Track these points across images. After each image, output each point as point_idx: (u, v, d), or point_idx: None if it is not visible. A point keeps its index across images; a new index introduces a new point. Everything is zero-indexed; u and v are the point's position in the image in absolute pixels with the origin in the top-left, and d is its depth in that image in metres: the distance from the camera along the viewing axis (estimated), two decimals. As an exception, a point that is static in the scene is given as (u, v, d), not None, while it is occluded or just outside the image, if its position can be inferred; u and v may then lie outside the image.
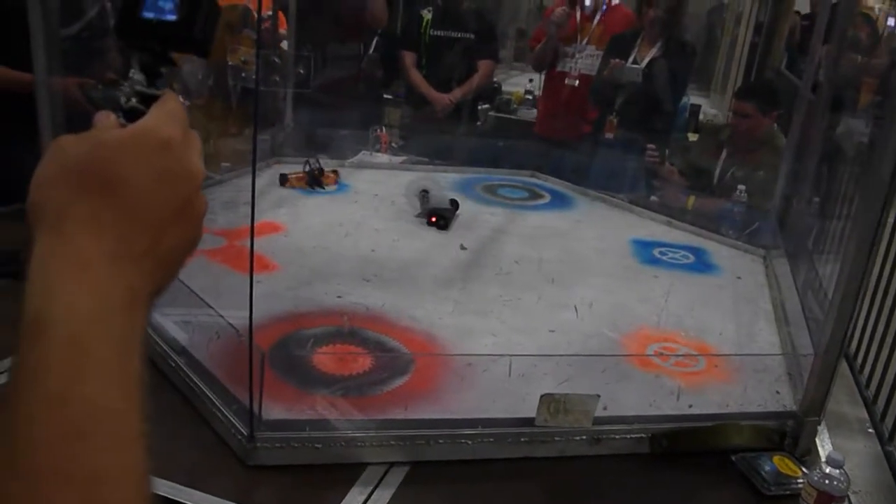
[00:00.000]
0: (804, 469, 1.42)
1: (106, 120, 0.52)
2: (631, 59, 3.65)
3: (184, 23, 0.61)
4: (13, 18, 1.78)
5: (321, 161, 2.79)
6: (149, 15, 0.61)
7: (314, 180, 2.73)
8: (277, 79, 2.65)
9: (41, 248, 0.43)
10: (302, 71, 2.77)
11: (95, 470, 0.38)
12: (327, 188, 2.76)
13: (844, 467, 1.31)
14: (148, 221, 0.46)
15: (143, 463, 0.41)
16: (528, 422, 1.40)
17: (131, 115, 0.54)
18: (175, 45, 0.62)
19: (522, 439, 1.39)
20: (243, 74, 2.83)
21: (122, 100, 0.58)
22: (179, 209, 0.49)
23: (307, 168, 2.74)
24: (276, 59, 2.64)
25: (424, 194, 2.60)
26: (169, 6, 0.61)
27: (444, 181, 2.98)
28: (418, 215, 2.53)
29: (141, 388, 0.43)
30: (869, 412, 2.90)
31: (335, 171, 2.83)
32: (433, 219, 2.46)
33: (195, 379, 1.45)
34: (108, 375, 0.41)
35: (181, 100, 0.56)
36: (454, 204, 2.57)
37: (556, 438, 1.41)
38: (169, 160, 0.48)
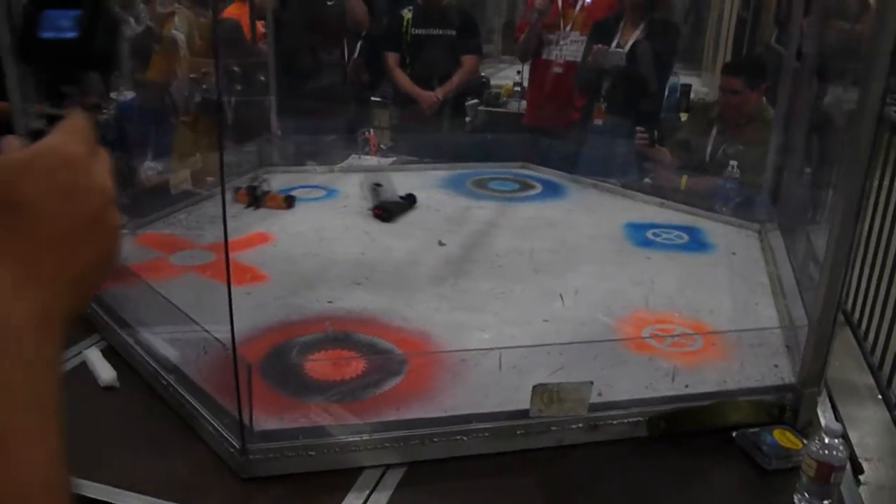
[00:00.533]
0: (805, 441, 1.40)
1: (10, 144, 0.50)
2: (615, 43, 3.63)
3: (83, 41, 0.60)
4: None
5: (265, 181, 2.63)
6: (47, 35, 0.61)
7: (254, 200, 2.56)
8: (238, 87, 2.64)
9: None
10: (263, 78, 2.76)
11: (7, 500, 0.37)
12: (272, 209, 2.55)
13: (851, 436, 1.30)
14: (54, 241, 0.45)
15: (58, 485, 0.40)
16: (523, 414, 1.38)
17: (36, 137, 0.54)
18: (76, 63, 0.61)
19: (518, 432, 1.38)
20: (204, 86, 2.83)
21: (28, 124, 0.58)
22: (88, 226, 0.48)
23: (253, 184, 2.60)
24: (236, 69, 2.64)
25: (376, 188, 2.60)
26: (68, 24, 0.60)
27: (433, 179, 2.97)
28: (369, 209, 2.53)
29: (56, 409, 0.42)
30: (875, 379, 2.90)
31: (290, 197, 2.63)
32: (377, 211, 2.48)
33: (186, 395, 1.44)
34: (20, 403, 0.40)
35: (87, 117, 0.55)
36: (410, 198, 2.58)
37: (553, 428, 1.40)
38: (73, 177, 0.47)
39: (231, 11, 4.32)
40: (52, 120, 0.56)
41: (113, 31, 0.62)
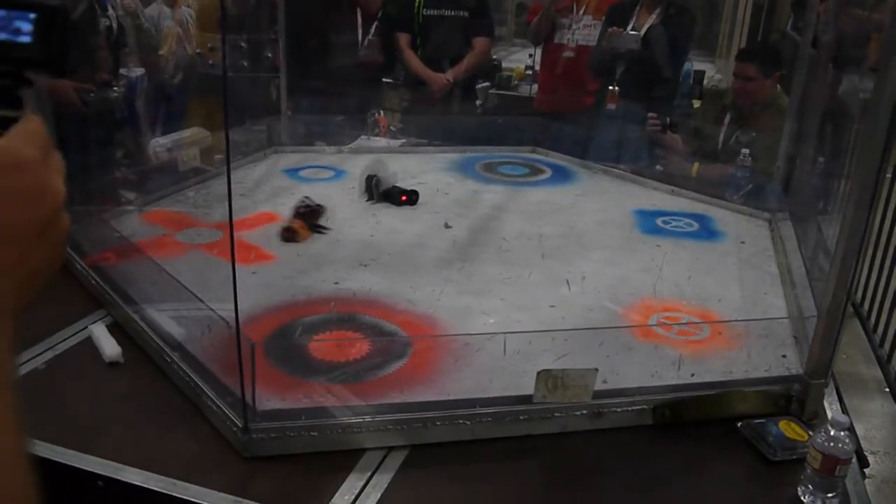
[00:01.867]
0: (811, 433, 1.39)
1: None
2: (630, 27, 3.58)
3: (39, 44, 0.59)
4: None
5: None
6: (1, 36, 0.60)
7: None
8: (245, 63, 2.63)
9: None
10: (270, 55, 2.73)
11: None
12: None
13: (857, 429, 1.29)
14: (7, 240, 0.47)
15: (15, 481, 0.41)
16: (527, 399, 1.38)
17: None
18: (30, 66, 0.61)
19: (521, 417, 1.37)
20: (210, 62, 2.81)
21: None
22: (41, 228, 0.49)
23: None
24: (243, 45, 2.62)
25: (371, 179, 2.52)
26: (26, 27, 0.59)
27: (442, 162, 2.95)
28: (375, 200, 2.48)
29: (10, 404, 0.43)
30: (884, 372, 2.88)
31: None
32: (403, 197, 2.44)
33: (190, 373, 1.44)
34: None
35: (41, 121, 0.55)
36: (413, 195, 2.50)
37: (557, 414, 1.39)
38: (24, 180, 0.49)
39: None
40: (6, 123, 0.55)
41: (66, 37, 0.61)
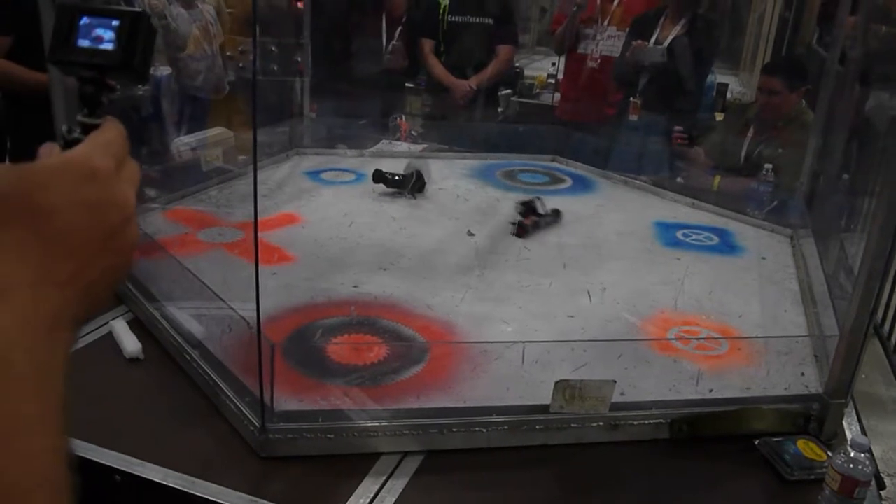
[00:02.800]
0: (830, 453, 1.38)
1: (48, 152, 0.53)
2: (654, 39, 3.58)
3: (122, 53, 0.60)
4: (34, 18, 1.80)
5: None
6: (84, 43, 0.60)
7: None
8: (275, 68, 2.65)
9: None
10: (299, 59, 2.75)
11: (6, 485, 0.38)
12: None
13: (874, 450, 1.27)
14: (72, 249, 0.47)
15: (58, 478, 0.41)
16: (544, 409, 1.38)
17: (71, 145, 0.54)
18: (113, 74, 0.61)
19: (538, 427, 1.37)
20: (241, 65, 2.83)
21: (64, 129, 0.58)
22: (106, 238, 0.49)
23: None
24: (273, 49, 2.64)
25: (412, 175, 2.60)
26: (108, 35, 0.60)
27: (463, 168, 2.96)
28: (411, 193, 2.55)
29: (61, 408, 0.43)
30: (903, 393, 2.84)
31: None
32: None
33: (209, 372, 1.45)
34: (29, 394, 0.41)
35: (121, 129, 0.56)
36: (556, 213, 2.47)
37: (573, 425, 1.39)
38: (95, 190, 0.49)
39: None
40: (87, 129, 0.56)
41: (150, 43, 0.62)
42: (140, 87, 3.11)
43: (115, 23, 0.60)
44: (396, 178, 2.56)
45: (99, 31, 0.60)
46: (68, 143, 0.56)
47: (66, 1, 0.62)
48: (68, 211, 0.47)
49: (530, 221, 2.33)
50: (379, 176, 2.57)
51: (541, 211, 2.38)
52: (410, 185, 2.55)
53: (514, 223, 2.32)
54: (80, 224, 0.48)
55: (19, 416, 0.40)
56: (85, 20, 0.61)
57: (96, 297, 0.49)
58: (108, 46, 0.60)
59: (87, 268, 0.48)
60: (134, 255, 0.53)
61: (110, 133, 0.55)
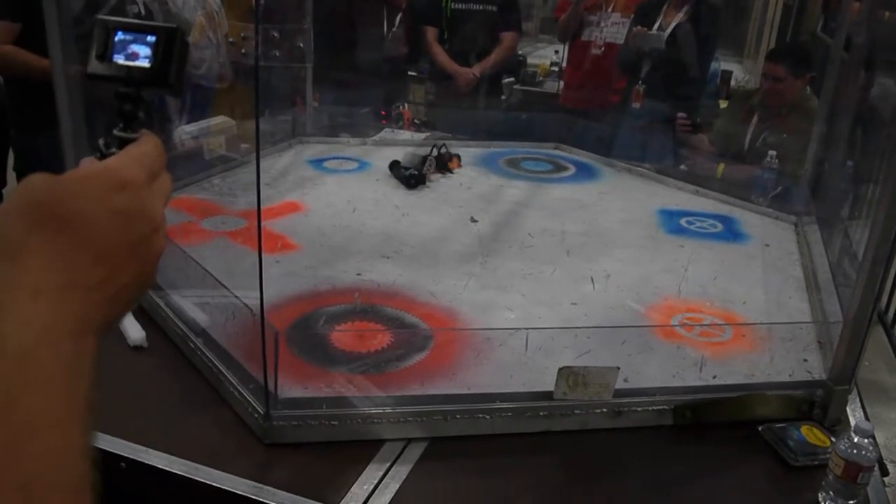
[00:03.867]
0: (833, 439, 1.38)
1: (88, 164, 0.55)
2: (656, 26, 3.56)
3: (158, 68, 0.60)
4: (40, 5, 1.79)
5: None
6: (120, 59, 0.61)
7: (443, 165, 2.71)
8: (277, 54, 2.64)
9: None
10: (301, 45, 2.74)
11: (28, 479, 0.39)
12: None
13: (877, 437, 1.27)
14: (101, 255, 0.48)
15: (82, 477, 0.42)
16: (547, 396, 1.38)
17: (105, 158, 0.56)
18: (148, 88, 0.62)
19: (541, 413, 1.37)
20: (243, 51, 2.82)
21: (101, 143, 0.58)
22: (133, 248, 0.51)
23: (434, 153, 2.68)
24: (275, 34, 2.63)
25: (428, 156, 2.66)
26: (144, 51, 0.60)
27: (466, 156, 2.94)
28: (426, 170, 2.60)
29: (86, 409, 0.44)
30: (907, 380, 2.84)
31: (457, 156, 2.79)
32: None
33: (213, 359, 1.45)
34: (54, 392, 0.42)
35: (156, 143, 0.58)
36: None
37: (577, 412, 1.39)
38: (125, 200, 0.51)
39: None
40: (123, 144, 0.57)
41: (184, 57, 0.62)
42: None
43: (150, 38, 0.61)
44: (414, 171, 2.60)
45: (134, 47, 0.61)
46: (105, 157, 0.57)
47: (104, 16, 0.62)
48: (98, 218, 0.49)
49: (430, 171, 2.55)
50: (396, 168, 2.62)
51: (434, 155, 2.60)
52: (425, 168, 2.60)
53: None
54: (110, 231, 0.49)
55: (44, 413, 0.41)
56: (120, 35, 0.61)
57: (121, 305, 0.51)
58: (144, 62, 0.61)
59: (115, 274, 0.49)
60: (156, 268, 0.54)
61: (146, 146, 0.57)
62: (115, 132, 0.60)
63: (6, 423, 0.40)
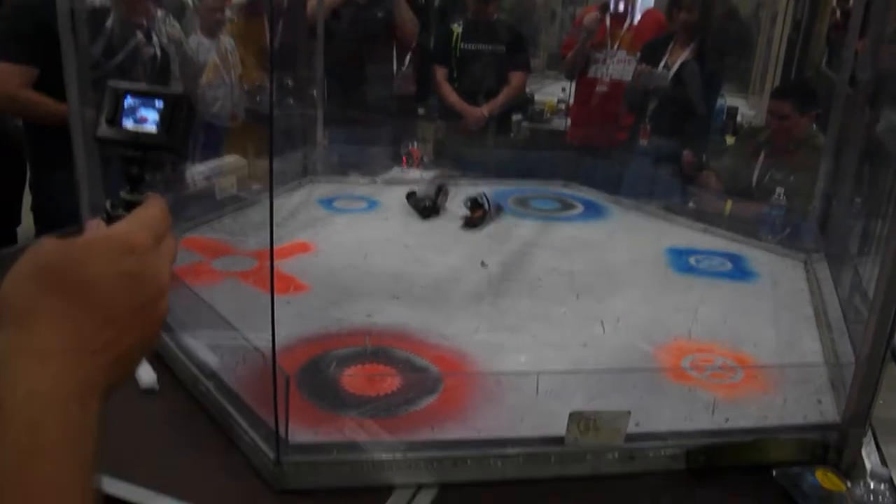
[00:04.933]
0: (849, 483, 1.36)
1: (94, 227, 0.57)
2: (662, 64, 3.60)
3: (165, 133, 0.62)
4: (57, 49, 1.83)
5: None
6: (128, 123, 0.63)
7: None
8: (292, 101, 2.68)
9: (5, 338, 0.46)
10: (314, 93, 2.78)
11: None
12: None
13: (894, 478, 1.26)
14: (108, 320, 0.49)
15: None
16: (559, 440, 1.37)
17: (113, 221, 0.58)
18: (155, 151, 0.64)
19: (553, 458, 1.37)
20: (258, 99, 2.87)
21: (108, 205, 0.60)
22: (139, 311, 0.52)
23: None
24: (290, 83, 2.68)
25: (441, 188, 2.74)
26: (152, 116, 0.62)
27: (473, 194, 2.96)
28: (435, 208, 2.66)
29: (92, 472, 0.45)
30: (922, 419, 2.80)
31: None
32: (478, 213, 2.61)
33: (224, 403, 1.46)
34: (61, 457, 0.43)
35: (162, 206, 0.59)
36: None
37: (588, 457, 1.38)
38: (132, 264, 0.52)
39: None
40: (130, 206, 0.59)
41: (190, 123, 0.64)
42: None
43: (158, 104, 0.63)
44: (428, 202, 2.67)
45: (143, 112, 0.63)
46: (112, 220, 0.58)
47: (114, 82, 0.64)
48: (106, 283, 0.50)
49: (478, 215, 2.58)
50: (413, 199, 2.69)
51: (486, 206, 2.63)
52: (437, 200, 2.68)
53: (463, 217, 2.59)
54: (117, 295, 0.50)
55: (53, 479, 0.42)
56: (129, 100, 0.63)
57: (125, 368, 0.52)
58: (152, 127, 0.63)
59: (121, 337, 0.50)
60: (160, 330, 0.56)
61: (152, 210, 0.58)
62: (122, 195, 0.62)
63: (16, 490, 0.41)
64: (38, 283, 0.48)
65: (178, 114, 0.63)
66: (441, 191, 2.72)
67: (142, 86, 0.65)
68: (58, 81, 1.88)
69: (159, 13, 3.21)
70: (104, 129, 0.64)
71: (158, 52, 3.08)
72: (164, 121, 0.63)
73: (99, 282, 0.50)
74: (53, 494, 0.42)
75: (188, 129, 0.65)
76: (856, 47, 2.72)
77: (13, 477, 0.41)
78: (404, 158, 3.33)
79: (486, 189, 3.02)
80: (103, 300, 0.49)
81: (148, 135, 0.63)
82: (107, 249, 0.52)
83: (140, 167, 0.63)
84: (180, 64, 3.35)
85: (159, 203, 0.60)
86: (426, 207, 2.63)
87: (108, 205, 0.61)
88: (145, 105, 0.63)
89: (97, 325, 0.49)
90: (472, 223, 2.57)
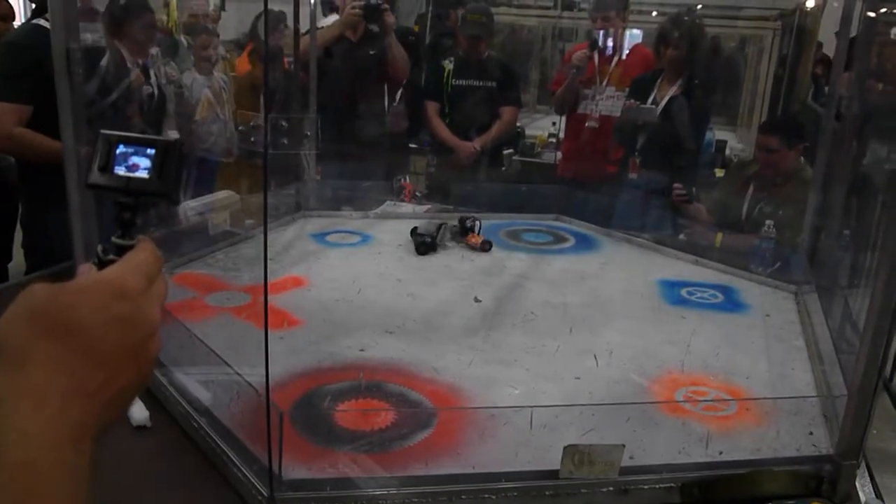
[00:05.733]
0: (843, 516, 1.36)
1: (86, 271, 0.58)
2: (651, 99, 3.65)
3: (157, 179, 0.64)
4: (51, 87, 1.84)
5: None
6: (120, 170, 0.64)
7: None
8: (285, 142, 2.71)
9: (0, 380, 0.47)
10: (308, 133, 2.82)
11: None
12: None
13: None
14: (101, 362, 0.50)
15: None
16: (553, 474, 1.37)
17: (104, 265, 0.59)
18: (147, 197, 0.65)
19: (547, 493, 1.36)
20: (252, 139, 2.90)
21: (99, 249, 0.61)
22: (131, 353, 0.53)
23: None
24: (284, 123, 2.71)
25: (442, 226, 2.78)
26: (144, 163, 0.64)
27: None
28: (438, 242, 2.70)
29: None
30: (916, 450, 2.80)
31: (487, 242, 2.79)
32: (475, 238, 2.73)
33: (217, 439, 1.45)
34: (56, 499, 0.44)
35: (153, 250, 0.60)
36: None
37: (583, 490, 1.38)
38: (124, 308, 0.53)
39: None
40: (121, 251, 0.60)
41: (181, 168, 0.66)
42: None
43: (150, 151, 0.65)
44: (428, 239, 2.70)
45: (135, 159, 0.64)
46: (103, 264, 0.59)
47: (107, 131, 0.66)
48: (99, 326, 0.51)
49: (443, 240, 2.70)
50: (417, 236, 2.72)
51: (476, 230, 2.77)
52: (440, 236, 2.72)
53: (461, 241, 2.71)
54: (110, 338, 0.51)
55: None
56: (122, 148, 0.65)
57: (116, 409, 0.53)
58: (143, 174, 0.64)
59: (113, 379, 0.51)
60: (152, 370, 0.56)
61: (143, 254, 0.59)
62: (114, 239, 0.63)
63: None
64: (32, 328, 0.49)
65: (170, 159, 0.65)
66: (442, 228, 2.74)
67: (134, 135, 0.66)
68: (52, 119, 1.89)
69: (155, 51, 3.26)
70: (96, 176, 0.65)
71: (156, 91, 3.11)
72: (156, 167, 0.65)
73: (91, 326, 0.50)
74: None
75: (179, 174, 0.66)
76: (840, 87, 2.77)
77: None
78: (407, 189, 3.36)
79: (482, 224, 3.06)
80: (96, 343, 0.50)
81: (139, 181, 0.64)
82: (99, 294, 0.53)
83: (132, 213, 0.65)
84: (177, 103, 3.38)
85: (150, 246, 0.61)
86: (424, 244, 2.64)
87: (99, 249, 0.62)
88: (138, 152, 0.65)
89: (90, 368, 0.49)
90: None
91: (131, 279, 0.55)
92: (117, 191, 0.65)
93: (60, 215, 1.94)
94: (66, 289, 0.52)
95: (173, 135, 3.52)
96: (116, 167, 0.65)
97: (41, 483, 0.43)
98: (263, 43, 3.53)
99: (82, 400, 0.48)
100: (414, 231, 2.74)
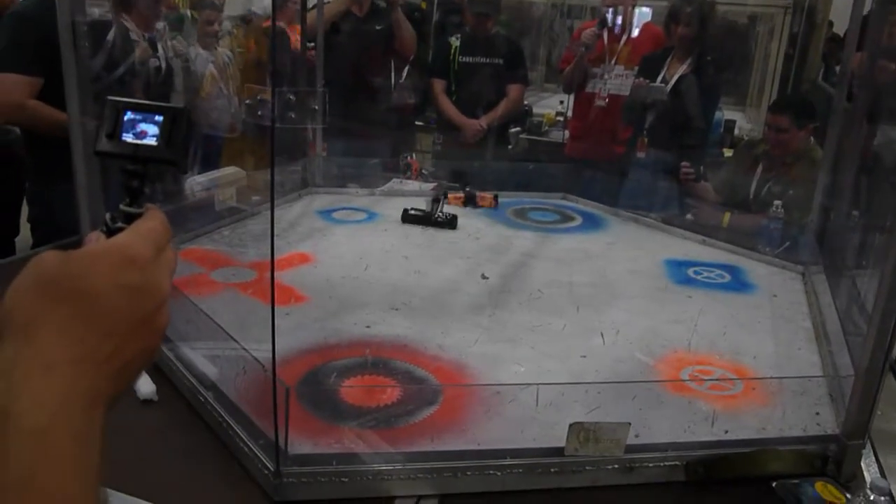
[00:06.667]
0: (848, 495, 1.36)
1: (95, 239, 0.57)
2: (660, 78, 3.62)
3: (165, 146, 0.63)
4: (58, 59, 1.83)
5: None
6: (128, 137, 0.63)
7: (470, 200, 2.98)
8: (293, 115, 2.70)
9: (10, 350, 0.46)
10: (316, 107, 2.80)
11: None
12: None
13: (893, 490, 1.26)
14: (110, 330, 0.50)
15: None
16: (558, 451, 1.37)
17: (114, 234, 0.58)
18: (155, 166, 0.65)
19: (552, 469, 1.36)
20: (259, 112, 2.88)
21: (107, 217, 0.60)
22: (141, 321, 0.53)
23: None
24: (291, 97, 2.69)
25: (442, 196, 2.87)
26: (152, 130, 0.63)
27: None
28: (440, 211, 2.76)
29: (98, 481, 0.46)
30: (921, 431, 2.80)
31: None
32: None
33: (223, 414, 1.45)
34: (68, 466, 0.44)
35: (161, 218, 0.60)
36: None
37: (588, 468, 1.38)
38: (133, 276, 0.53)
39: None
40: (130, 218, 0.59)
41: (189, 136, 0.65)
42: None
43: (158, 118, 0.64)
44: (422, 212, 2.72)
45: (143, 126, 0.64)
46: (111, 232, 0.59)
47: (114, 97, 0.65)
48: (109, 294, 0.50)
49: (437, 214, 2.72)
50: (408, 217, 2.73)
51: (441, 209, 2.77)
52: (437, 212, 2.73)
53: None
54: (119, 307, 0.51)
55: (59, 488, 0.43)
56: (129, 115, 0.64)
57: (126, 378, 0.52)
58: (152, 141, 0.64)
59: (123, 348, 0.51)
60: (161, 339, 0.56)
61: (152, 222, 0.58)
62: (122, 207, 0.62)
63: (23, 498, 0.41)
64: (41, 296, 0.48)
65: (178, 127, 0.64)
66: (436, 201, 2.76)
67: (141, 101, 0.65)
68: (59, 92, 1.88)
69: (162, 25, 3.23)
70: (104, 143, 0.64)
71: (163, 65, 3.09)
72: (164, 134, 0.64)
73: (101, 294, 0.50)
74: (61, 502, 0.42)
75: (188, 142, 0.65)
76: (852, 62, 2.74)
77: (21, 485, 0.41)
78: (414, 167, 3.36)
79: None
80: (105, 312, 0.50)
81: (148, 147, 0.64)
82: (108, 262, 0.52)
83: (140, 180, 0.64)
84: (183, 77, 3.37)
85: (159, 215, 0.61)
86: (408, 214, 2.70)
87: (107, 217, 0.61)
88: (145, 119, 0.64)
89: (100, 336, 0.49)
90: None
91: (140, 247, 0.54)
92: (125, 158, 0.64)
93: (67, 189, 1.94)
94: (75, 256, 0.51)
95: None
96: (124, 134, 0.64)
97: (54, 449, 0.43)
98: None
99: (92, 368, 0.48)
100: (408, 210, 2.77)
